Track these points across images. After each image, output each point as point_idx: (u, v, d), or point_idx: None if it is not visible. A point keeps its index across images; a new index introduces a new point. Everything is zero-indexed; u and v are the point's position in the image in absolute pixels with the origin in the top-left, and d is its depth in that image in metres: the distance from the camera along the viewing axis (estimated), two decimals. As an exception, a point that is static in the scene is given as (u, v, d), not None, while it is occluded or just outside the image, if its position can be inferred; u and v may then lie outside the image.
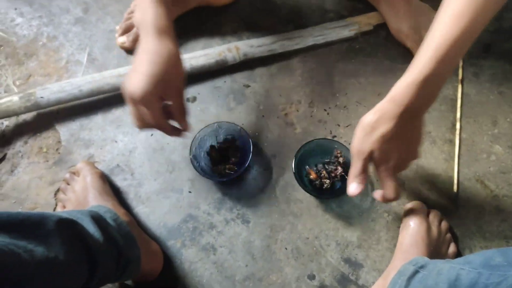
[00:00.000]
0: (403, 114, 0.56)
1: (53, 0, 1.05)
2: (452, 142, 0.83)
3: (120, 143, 0.87)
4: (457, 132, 0.83)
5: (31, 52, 0.98)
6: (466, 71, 0.90)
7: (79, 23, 1.01)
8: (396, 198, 0.63)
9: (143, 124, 0.65)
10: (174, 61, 0.63)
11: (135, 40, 0.93)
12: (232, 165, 0.79)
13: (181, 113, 0.67)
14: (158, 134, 0.87)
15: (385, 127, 0.58)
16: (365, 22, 0.95)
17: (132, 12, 0.96)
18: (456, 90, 0.88)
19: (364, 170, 0.63)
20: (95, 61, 0.96)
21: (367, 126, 0.59)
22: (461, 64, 0.90)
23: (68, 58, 0.97)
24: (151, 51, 0.61)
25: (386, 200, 0.64)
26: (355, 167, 0.63)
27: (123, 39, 0.94)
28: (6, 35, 1.01)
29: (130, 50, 0.95)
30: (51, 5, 1.04)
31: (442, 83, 0.56)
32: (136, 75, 0.60)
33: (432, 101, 0.57)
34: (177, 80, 0.64)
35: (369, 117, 0.60)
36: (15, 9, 1.05)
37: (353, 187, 0.63)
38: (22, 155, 0.87)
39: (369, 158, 0.61)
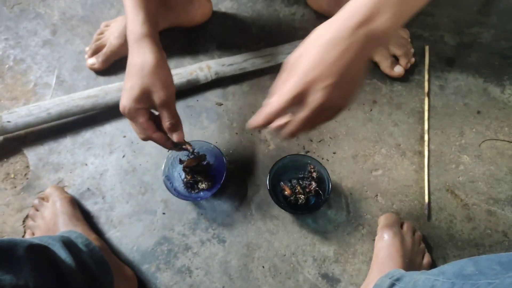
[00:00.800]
0: (354, 32, 0.45)
1: (20, 23, 1.03)
2: (421, 153, 0.85)
3: (91, 166, 0.85)
4: (426, 143, 0.85)
5: (-3, 75, 0.96)
6: (432, 84, 0.93)
7: (47, 45, 1.00)
8: (259, 124, 0.52)
9: (143, 137, 0.63)
10: (154, 71, 0.60)
11: (105, 61, 0.93)
12: (205, 182, 0.78)
13: (171, 125, 0.63)
14: (129, 155, 0.85)
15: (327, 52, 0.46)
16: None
17: (102, 33, 0.95)
18: (423, 103, 0.90)
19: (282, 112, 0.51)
20: (64, 83, 0.94)
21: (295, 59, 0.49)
22: (426, 77, 0.93)
23: (36, 81, 0.95)
24: (131, 64, 0.60)
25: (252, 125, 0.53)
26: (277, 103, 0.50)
27: (93, 61, 0.93)
28: (-30, 58, 0.98)
29: (100, 71, 0.94)
30: (18, 27, 1.03)
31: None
32: (122, 92, 0.59)
33: (400, 24, 0.46)
34: (161, 90, 0.60)
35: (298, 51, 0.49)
36: (-21, 32, 1.02)
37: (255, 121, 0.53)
38: (-13, 182, 0.84)
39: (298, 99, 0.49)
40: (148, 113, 0.63)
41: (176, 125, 0.64)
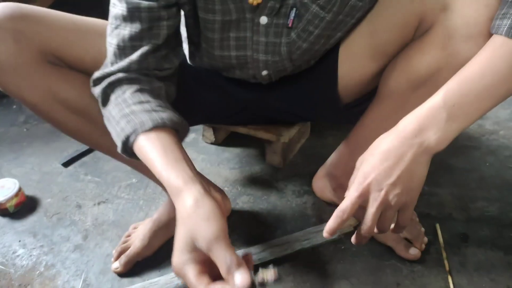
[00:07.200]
0: (406, 142, 0.56)
1: (56, 230, 1.13)
2: None
3: None
4: (461, 328, 0.80)
5: (26, 282, 1.00)
6: (451, 261, 0.92)
7: (78, 250, 1.06)
8: (335, 226, 0.63)
9: None
10: (192, 211, 0.53)
11: (127, 263, 0.96)
12: None
13: (226, 269, 0.50)
14: None
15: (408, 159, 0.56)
16: (345, 223, 1.02)
17: (129, 235, 1.03)
18: (447, 282, 0.88)
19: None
20: (89, 287, 0.97)
21: (385, 153, 0.58)
22: (444, 255, 0.93)
23: (63, 286, 0.98)
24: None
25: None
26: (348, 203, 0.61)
27: (116, 265, 0.97)
28: (5, 267, 1.04)
29: (123, 274, 0.97)
30: (53, 234, 1.12)
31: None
32: None
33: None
34: (203, 228, 0.51)
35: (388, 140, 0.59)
36: (19, 241, 1.11)
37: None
38: None
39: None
40: (197, 268, 0.52)
41: (231, 265, 0.50)
